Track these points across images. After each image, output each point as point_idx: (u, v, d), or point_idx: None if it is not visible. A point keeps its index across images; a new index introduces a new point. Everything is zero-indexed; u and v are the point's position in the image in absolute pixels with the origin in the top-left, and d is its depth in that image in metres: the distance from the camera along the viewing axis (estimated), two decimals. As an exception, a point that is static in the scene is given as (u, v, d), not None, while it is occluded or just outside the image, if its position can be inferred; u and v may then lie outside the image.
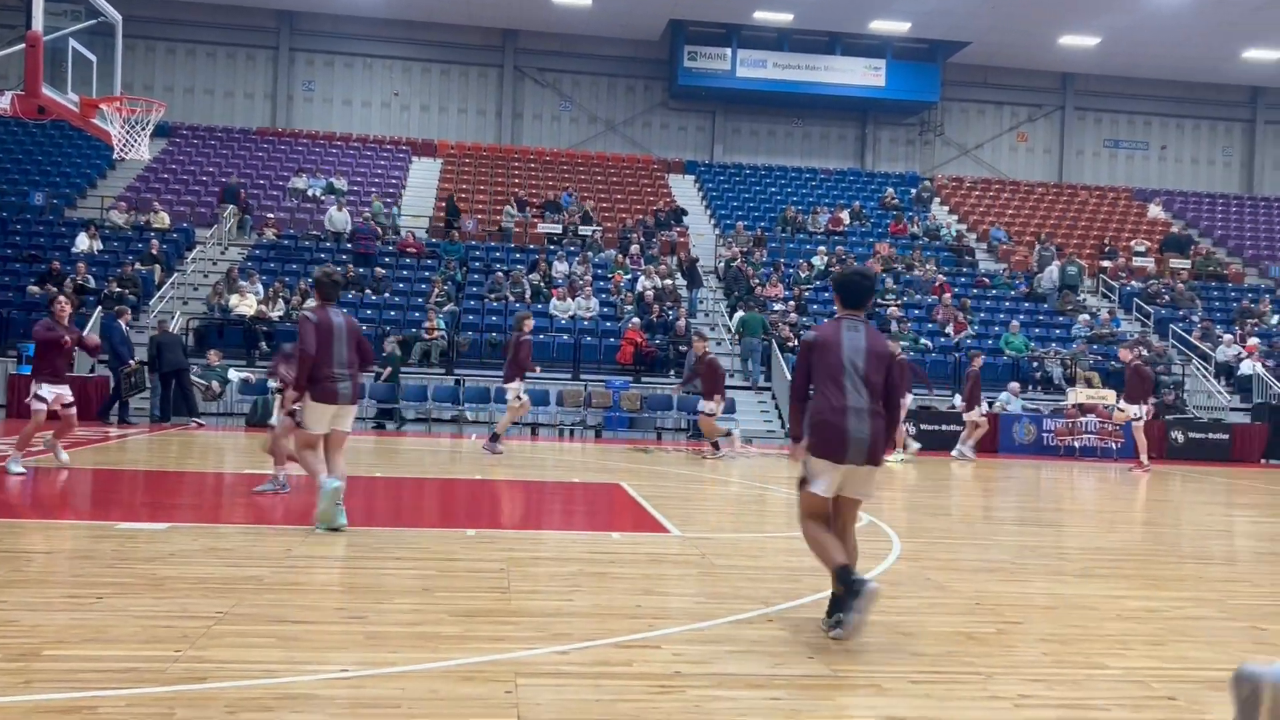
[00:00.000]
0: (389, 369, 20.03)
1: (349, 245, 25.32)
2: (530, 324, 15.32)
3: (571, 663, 4.36)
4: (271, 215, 26.73)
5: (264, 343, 20.77)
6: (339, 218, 26.13)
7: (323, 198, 28.04)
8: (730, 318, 24.34)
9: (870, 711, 3.92)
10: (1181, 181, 35.91)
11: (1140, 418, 16.52)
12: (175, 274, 23.52)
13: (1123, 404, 17.10)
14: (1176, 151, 36.14)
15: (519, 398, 14.90)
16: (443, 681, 4.01)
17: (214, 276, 23.54)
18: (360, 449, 15.15)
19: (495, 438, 15.11)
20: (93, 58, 12.26)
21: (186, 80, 32.61)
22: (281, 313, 21.68)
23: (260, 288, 22.42)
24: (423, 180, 30.92)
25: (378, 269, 24.23)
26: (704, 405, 16.12)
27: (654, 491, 10.88)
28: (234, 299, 21.67)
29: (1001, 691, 4.19)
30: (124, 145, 12.71)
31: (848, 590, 4.77)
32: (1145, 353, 21.63)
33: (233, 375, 19.89)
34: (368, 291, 23.51)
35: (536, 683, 4.04)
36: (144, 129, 12.98)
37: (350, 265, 24.01)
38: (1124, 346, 18.37)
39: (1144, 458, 16.63)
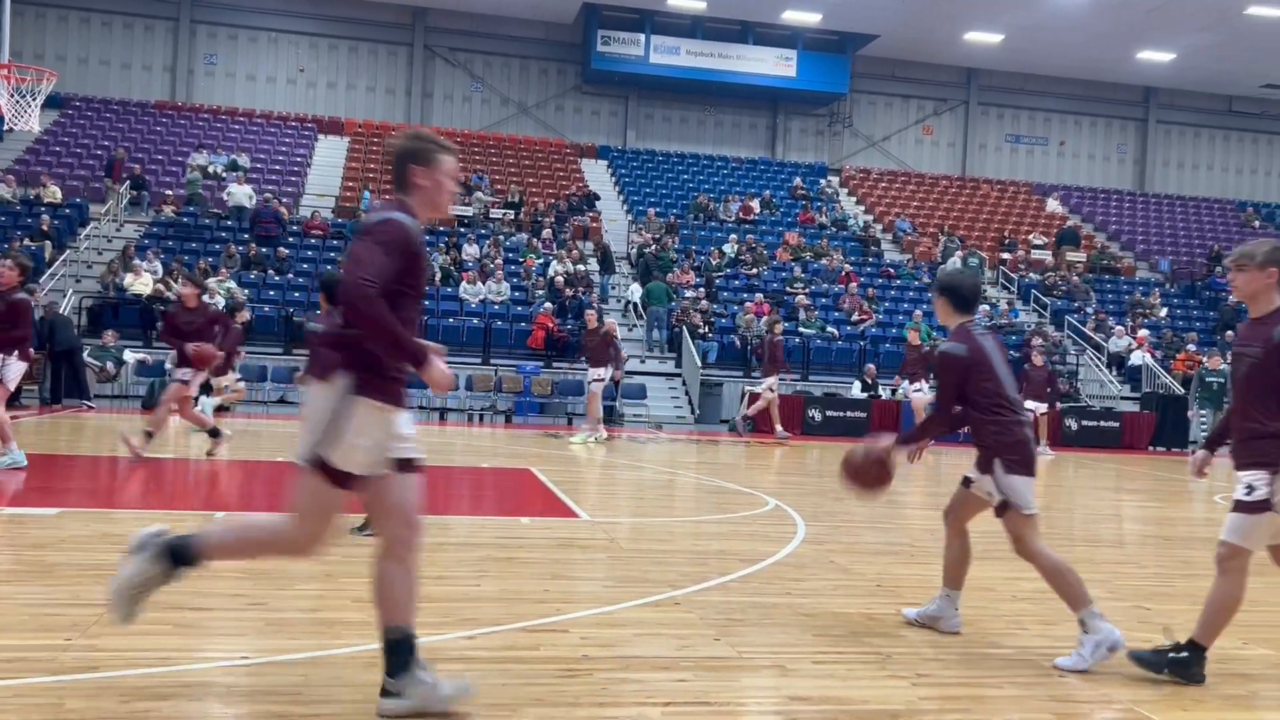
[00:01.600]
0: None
1: (250, 224, 24.68)
2: (780, 326, 18.55)
3: (478, 648, 4.34)
4: (170, 192, 25.91)
5: (161, 323, 20.13)
6: (239, 193, 25.45)
7: (225, 175, 27.28)
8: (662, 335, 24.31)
9: (774, 692, 3.99)
10: (1078, 177, 37.07)
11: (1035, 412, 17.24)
12: (67, 251, 22.65)
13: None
14: (1074, 148, 37.27)
15: (771, 390, 17.83)
16: (346, 668, 3.95)
17: (109, 254, 22.74)
18: (264, 433, 14.83)
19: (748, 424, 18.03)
20: (-22, 23, 11.73)
21: (80, 50, 31.36)
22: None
23: (159, 266, 21.74)
24: (329, 159, 30.27)
25: (280, 249, 23.69)
26: (594, 373, 16.49)
27: (564, 476, 10.88)
28: (129, 278, 20.97)
29: (901, 671, 4.29)
30: (13, 115, 12.19)
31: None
32: (1041, 342, 22.31)
33: (128, 356, 19.26)
34: (270, 272, 22.98)
35: (442, 668, 4.00)
36: (34, 99, 12.47)
37: (252, 244, 23.45)
38: (1038, 352, 19.17)
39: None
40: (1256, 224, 35.27)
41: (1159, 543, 8.55)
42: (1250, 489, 4.19)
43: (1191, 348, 24.64)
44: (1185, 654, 4.30)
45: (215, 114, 31.00)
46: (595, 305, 19.73)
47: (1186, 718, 3.87)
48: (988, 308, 26.18)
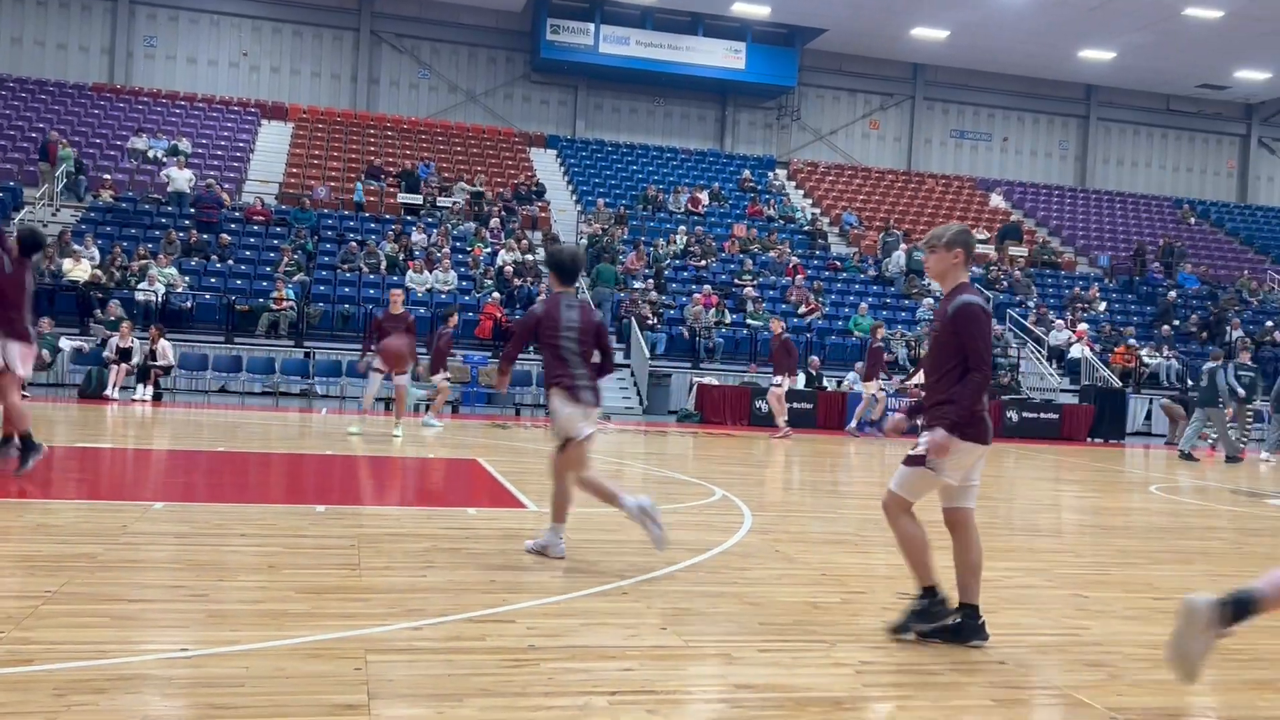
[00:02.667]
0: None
1: (191, 209, 24.24)
2: (882, 330, 19.71)
3: (424, 638, 4.31)
4: (109, 176, 25.35)
5: (99, 310, 19.73)
6: (180, 177, 24.98)
7: (165, 159, 26.74)
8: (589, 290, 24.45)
9: (720, 680, 4.01)
10: (1021, 173, 37.65)
11: None
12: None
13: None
14: (1017, 144, 37.84)
15: (874, 396, 18.83)
16: (289, 659, 3.91)
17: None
18: (203, 422, 14.60)
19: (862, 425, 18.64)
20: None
21: (13, 29, 30.55)
22: (119, 278, 20.62)
23: (96, 252, 21.28)
24: (272, 144, 29.81)
25: (222, 235, 23.29)
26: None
27: (511, 467, 10.84)
28: (66, 263, 20.50)
29: (845, 658, 4.34)
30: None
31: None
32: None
33: (64, 344, 18.84)
34: (212, 259, 22.60)
35: (387, 659, 3.98)
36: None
37: (193, 231, 23.03)
38: None
39: None
40: (1192, 220, 36.12)
41: (1096, 532, 8.72)
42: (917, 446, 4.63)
43: (1132, 342, 25.17)
44: (960, 620, 4.63)
45: (155, 97, 30.38)
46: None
47: (1121, 702, 3.95)
48: (930, 300, 26.53)
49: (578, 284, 6.04)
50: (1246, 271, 32.45)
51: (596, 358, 6.13)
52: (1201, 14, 29.08)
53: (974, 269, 29.04)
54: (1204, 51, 32.34)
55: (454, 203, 27.21)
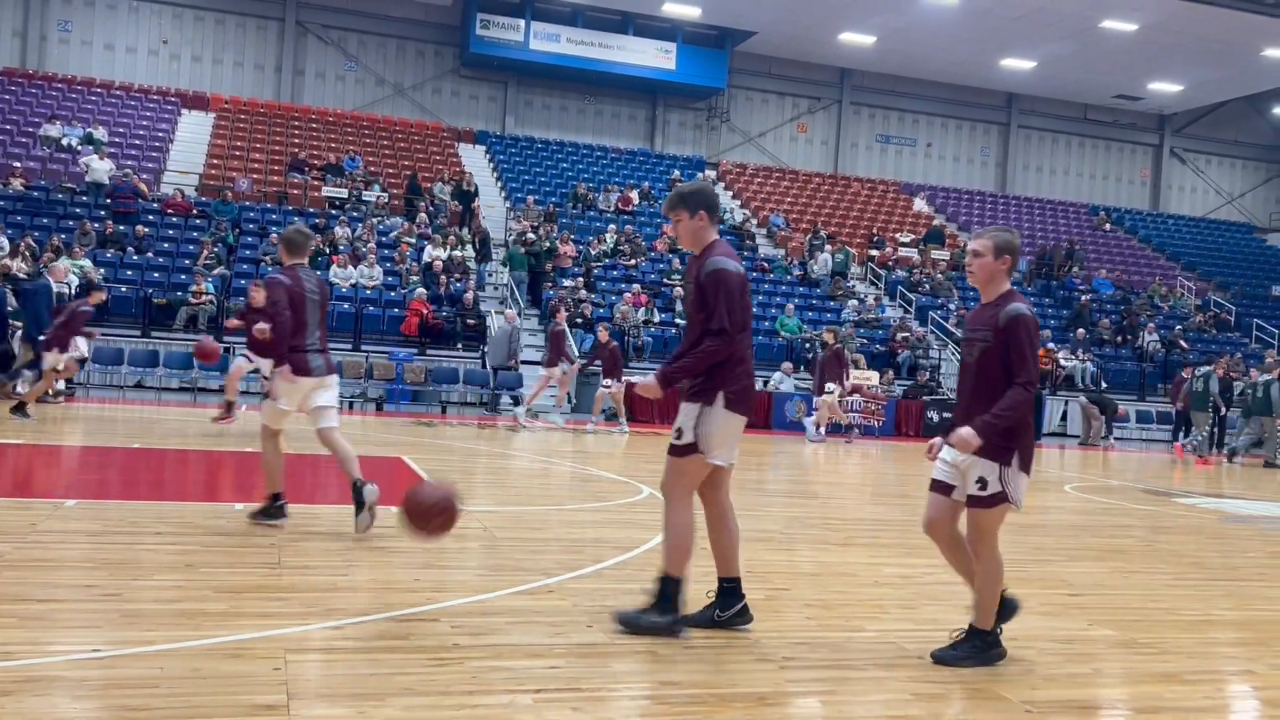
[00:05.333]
0: None
1: (108, 200, 23.57)
2: (831, 335, 19.23)
3: (345, 638, 4.25)
4: (19, 164, 24.53)
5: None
6: (100, 167, 24.26)
7: (80, 148, 25.96)
8: (524, 299, 24.39)
9: (646, 678, 4.02)
10: (944, 178, 38.35)
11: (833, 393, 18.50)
12: (-97, 223, 21.23)
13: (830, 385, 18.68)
14: (941, 149, 38.54)
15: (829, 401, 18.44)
16: (206, 660, 3.82)
17: (-50, 228, 21.38)
18: (118, 418, 14.22)
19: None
20: None
21: (-81, 9, 29.42)
22: (31, 270, 19.96)
23: (4, 242, 20.56)
24: (193, 135, 29.09)
25: (139, 227, 22.70)
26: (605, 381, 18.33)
27: (437, 465, 10.74)
28: (-27, 253, 19.79)
29: (769, 654, 4.37)
30: None
31: None
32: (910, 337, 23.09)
33: (-29, 337, 18.16)
34: (129, 251, 22.00)
35: (307, 659, 3.92)
36: None
37: (109, 222, 22.40)
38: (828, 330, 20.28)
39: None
40: (1107, 226, 37.16)
41: (1014, 530, 8.91)
42: (680, 432, 4.76)
43: (1049, 345, 25.79)
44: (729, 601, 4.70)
45: (70, 84, 29.46)
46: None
47: (1035, 695, 4.05)
48: (855, 302, 26.90)
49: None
50: (1158, 277, 33.49)
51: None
52: (1118, 26, 29.92)
53: (898, 272, 29.55)
54: (1120, 63, 33.30)
55: (378, 197, 26.86)
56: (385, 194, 27.24)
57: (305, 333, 6.58)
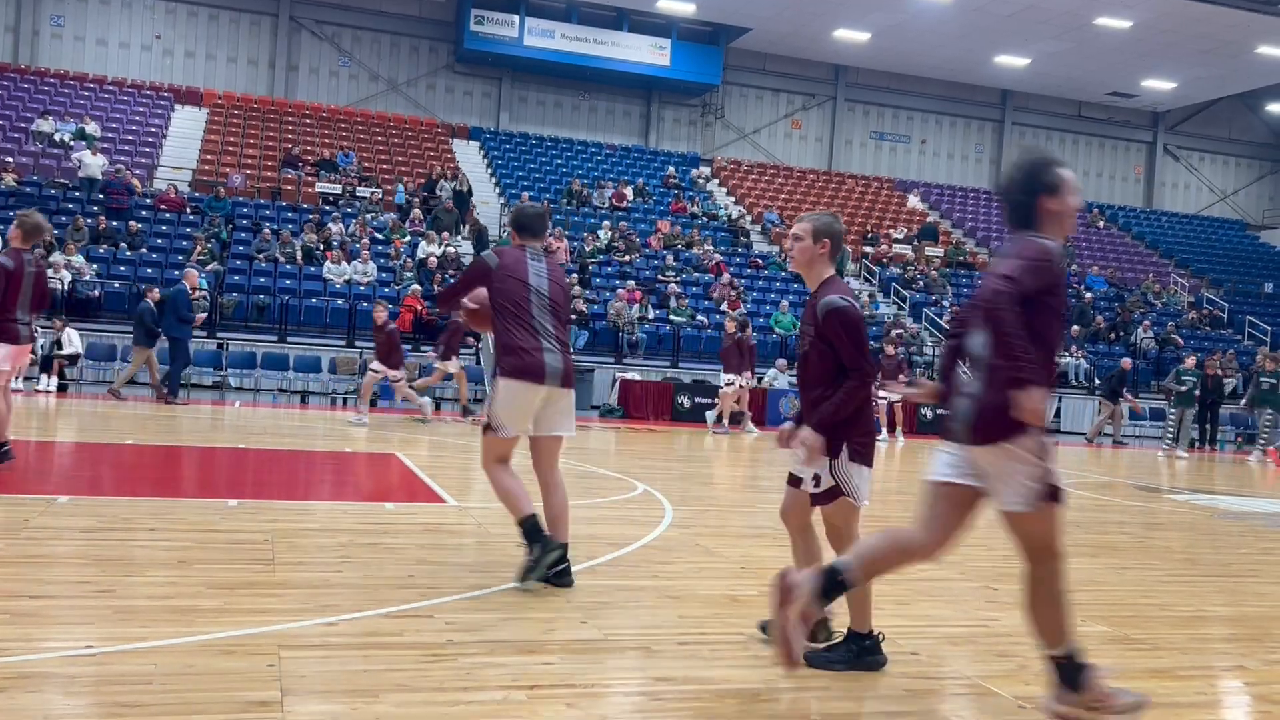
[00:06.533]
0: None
1: (100, 195, 23.50)
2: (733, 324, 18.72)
3: (339, 634, 4.24)
4: (11, 160, 24.44)
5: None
6: (93, 163, 24.18)
7: (72, 143, 25.87)
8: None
9: (639, 673, 4.02)
10: (938, 175, 38.38)
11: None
12: (-106, 218, 21.14)
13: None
14: (935, 146, 38.56)
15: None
16: (199, 656, 3.81)
17: (-58, 223, 21.31)
18: (110, 414, 14.18)
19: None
20: None
21: (-89, 3, 29.28)
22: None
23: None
24: (186, 130, 29.02)
25: (132, 223, 22.63)
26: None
27: (431, 462, 10.73)
28: (-34, 249, 19.71)
29: (763, 650, 4.37)
30: None
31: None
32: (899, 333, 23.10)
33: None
34: (122, 246, 21.94)
35: (301, 655, 3.91)
36: None
37: (102, 217, 22.34)
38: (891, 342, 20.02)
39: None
40: (1101, 224, 37.22)
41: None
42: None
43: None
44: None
45: (62, 79, 29.36)
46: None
47: (1029, 691, 4.06)
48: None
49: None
50: (1151, 274, 33.56)
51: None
52: (1112, 24, 29.95)
53: (892, 269, 29.57)
54: (1114, 60, 33.33)
55: (373, 192, 26.81)
56: (379, 189, 27.19)
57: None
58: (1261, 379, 20.08)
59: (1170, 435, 20.48)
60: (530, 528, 5.20)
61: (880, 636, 4.24)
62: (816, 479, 4.30)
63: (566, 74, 33.43)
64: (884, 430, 18.37)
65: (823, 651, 4.21)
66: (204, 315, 18.25)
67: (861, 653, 4.19)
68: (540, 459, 5.35)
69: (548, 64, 32.49)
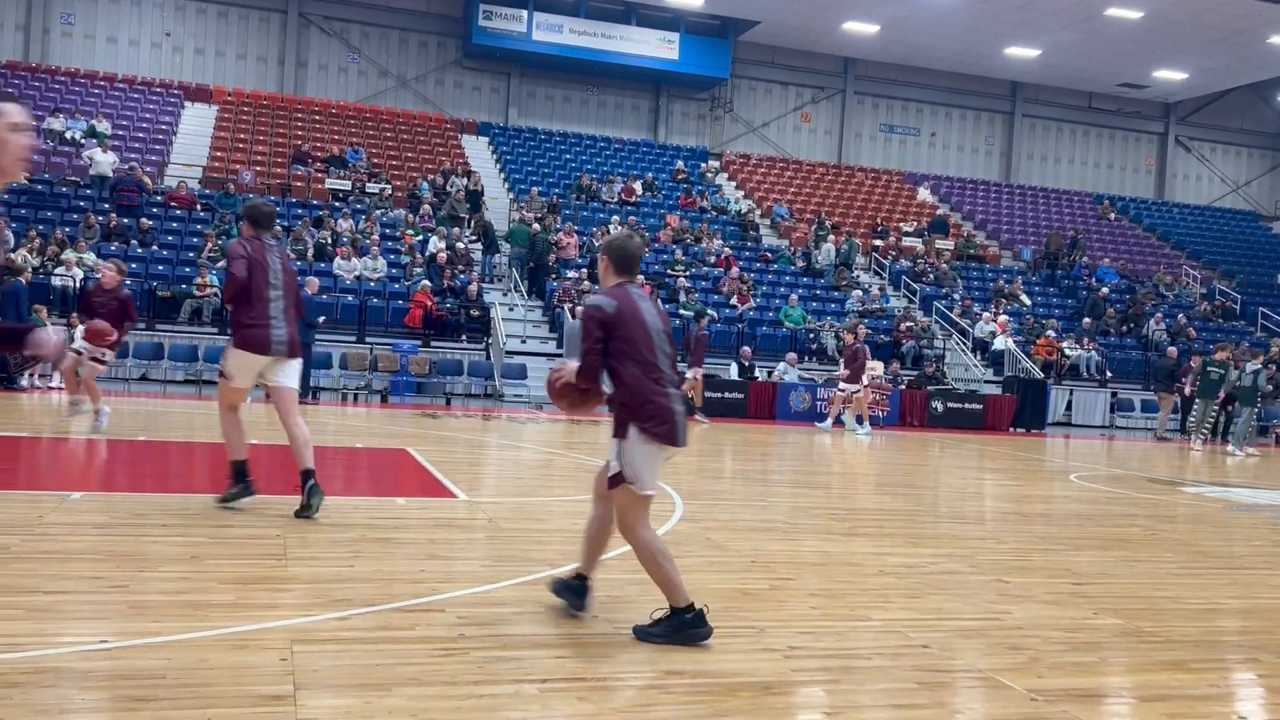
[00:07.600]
0: None
1: (111, 193, 23.57)
2: (863, 329, 19.82)
3: (351, 628, 4.26)
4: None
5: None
6: (104, 161, 24.26)
7: (83, 140, 25.97)
8: (523, 281, 24.53)
9: (650, 666, 4.03)
10: (948, 167, 38.25)
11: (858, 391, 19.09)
12: (-92, 217, 21.28)
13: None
14: (945, 139, 38.43)
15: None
16: (212, 650, 3.83)
17: (-46, 221, 21.42)
18: (123, 411, 14.25)
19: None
20: None
21: (-78, 2, 29.40)
22: (36, 264, 20.00)
23: (10, 236, 20.59)
24: (196, 127, 29.10)
25: (143, 220, 22.72)
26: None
27: (441, 457, 10.75)
28: (-22, 247, 19.81)
29: (773, 644, 4.38)
30: None
31: None
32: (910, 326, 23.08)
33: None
34: (133, 244, 22.03)
35: (314, 649, 3.93)
36: None
37: (113, 214, 22.43)
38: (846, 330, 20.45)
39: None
40: (1112, 216, 37.06)
41: (1018, 519, 8.92)
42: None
43: (1051, 334, 25.75)
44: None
45: (73, 77, 29.47)
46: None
47: (1041, 684, 4.05)
48: (859, 292, 26.87)
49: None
50: (1163, 266, 33.41)
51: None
52: (1122, 14, 29.80)
53: (902, 262, 29.49)
54: (1125, 51, 33.17)
55: (381, 189, 26.84)
56: (388, 185, 27.21)
57: None
58: (1209, 368, 19.98)
59: (1207, 427, 20.39)
60: None
61: (704, 610, 4.35)
62: (608, 465, 4.50)
63: (575, 68, 33.40)
64: (864, 422, 18.92)
65: (647, 626, 4.38)
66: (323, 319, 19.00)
67: (682, 625, 4.31)
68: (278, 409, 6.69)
69: (556, 58, 32.46)
